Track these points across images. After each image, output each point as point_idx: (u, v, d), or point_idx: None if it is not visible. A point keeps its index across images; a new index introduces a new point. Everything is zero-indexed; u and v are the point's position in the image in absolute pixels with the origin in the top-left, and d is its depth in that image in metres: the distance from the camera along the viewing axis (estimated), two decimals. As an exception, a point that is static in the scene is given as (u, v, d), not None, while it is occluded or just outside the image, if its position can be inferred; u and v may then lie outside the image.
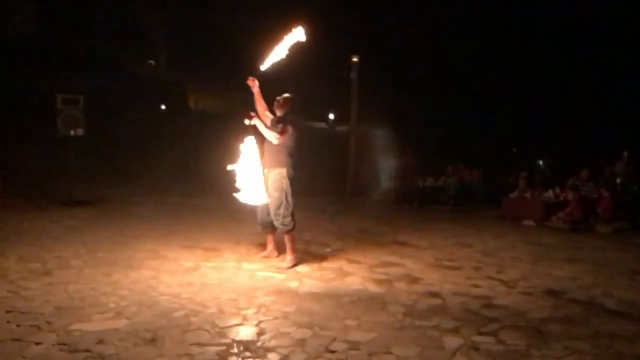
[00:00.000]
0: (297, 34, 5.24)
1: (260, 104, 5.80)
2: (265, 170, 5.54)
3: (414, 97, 21.78)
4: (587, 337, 3.54)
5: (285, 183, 5.46)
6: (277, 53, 5.34)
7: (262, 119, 5.56)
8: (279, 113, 5.64)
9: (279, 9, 20.49)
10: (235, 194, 5.49)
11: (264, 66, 5.41)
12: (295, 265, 5.50)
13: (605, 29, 20.83)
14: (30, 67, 15.74)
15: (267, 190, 5.46)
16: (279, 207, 5.42)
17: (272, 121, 5.66)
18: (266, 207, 5.58)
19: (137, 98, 18.39)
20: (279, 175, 5.45)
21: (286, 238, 5.57)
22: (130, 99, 17.73)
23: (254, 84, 5.68)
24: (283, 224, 5.46)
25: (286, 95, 5.67)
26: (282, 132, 5.45)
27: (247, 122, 5.53)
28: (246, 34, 21.62)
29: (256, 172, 5.50)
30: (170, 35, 25.89)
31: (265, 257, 5.85)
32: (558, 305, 4.29)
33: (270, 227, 5.74)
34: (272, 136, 5.43)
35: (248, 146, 5.54)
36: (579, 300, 4.49)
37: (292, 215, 5.50)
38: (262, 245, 6.25)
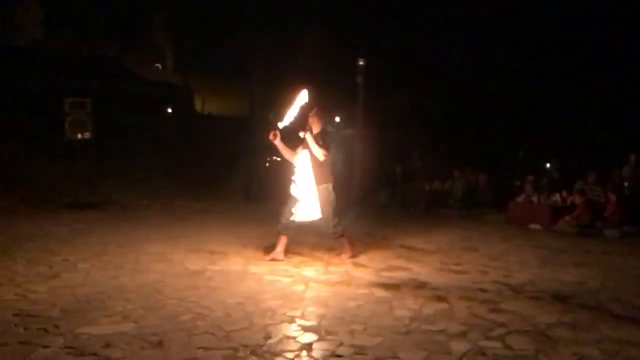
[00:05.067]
0: (303, 96, 5.64)
1: (286, 151, 5.98)
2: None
3: (420, 100, 21.75)
4: (595, 342, 3.52)
5: (332, 196, 5.80)
6: (291, 113, 5.68)
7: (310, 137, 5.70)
8: (315, 128, 5.78)
9: (286, 10, 20.60)
10: (291, 213, 5.79)
11: (282, 124, 5.73)
12: (354, 256, 6.02)
13: (613, 32, 20.75)
14: (38, 71, 15.86)
15: (313, 207, 5.71)
16: (328, 220, 5.77)
17: (314, 137, 5.75)
18: (292, 212, 5.76)
19: (144, 101, 18.49)
20: (326, 190, 5.75)
21: (342, 240, 6.01)
22: (137, 102, 17.83)
23: (275, 138, 5.85)
24: (335, 232, 5.87)
25: (316, 110, 5.84)
26: (325, 148, 5.68)
27: (271, 137, 5.83)
28: (252, 35, 21.71)
29: (308, 187, 5.74)
30: (176, 38, 26.00)
31: (272, 259, 5.86)
32: (566, 310, 4.26)
33: (289, 231, 5.93)
34: (320, 153, 5.66)
35: (301, 160, 5.82)
36: (587, 305, 4.46)
37: (338, 222, 5.89)
38: (270, 249, 6.27)
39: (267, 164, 10.15)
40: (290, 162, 5.98)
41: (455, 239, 7.95)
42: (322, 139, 5.74)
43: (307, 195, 5.73)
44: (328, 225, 5.80)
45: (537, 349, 3.37)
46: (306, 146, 5.76)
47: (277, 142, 5.87)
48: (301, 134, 5.77)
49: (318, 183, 5.73)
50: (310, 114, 5.80)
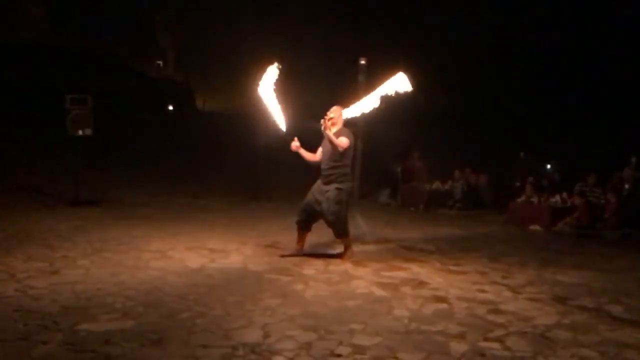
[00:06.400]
0: (400, 83, 5.41)
1: (310, 155, 6.06)
2: (325, 183, 5.83)
3: (421, 99, 21.72)
4: (594, 345, 3.52)
5: (345, 197, 5.81)
6: (372, 100, 5.57)
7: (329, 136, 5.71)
8: (334, 128, 5.79)
9: (288, 9, 20.58)
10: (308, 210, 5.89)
11: (354, 112, 5.73)
12: (352, 255, 5.99)
13: (615, 34, 20.74)
14: (39, 67, 15.85)
15: (327, 203, 5.74)
16: (338, 219, 5.76)
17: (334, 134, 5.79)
18: (312, 210, 5.86)
19: (145, 98, 18.47)
20: (339, 189, 5.75)
21: (343, 241, 6.00)
22: (138, 99, 17.81)
23: (298, 148, 5.96)
24: (340, 233, 5.88)
25: (335, 108, 5.87)
26: (345, 143, 5.71)
27: (294, 146, 5.91)
28: (254, 32, 21.70)
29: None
30: (177, 35, 25.99)
31: (291, 255, 5.98)
32: (565, 312, 4.26)
33: (308, 228, 6.03)
34: (338, 143, 5.66)
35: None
36: (586, 306, 4.46)
37: (347, 222, 5.90)
38: (269, 247, 6.30)
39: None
40: (312, 161, 6.06)
41: (455, 239, 7.96)
42: (344, 135, 5.77)
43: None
44: (336, 224, 5.80)
45: (536, 350, 3.38)
46: (326, 143, 5.80)
47: (300, 150, 5.97)
48: (293, 147, 5.90)
49: (333, 181, 5.77)
50: (332, 109, 5.83)
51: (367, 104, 5.61)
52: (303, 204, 5.95)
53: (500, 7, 22.02)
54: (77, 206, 9.64)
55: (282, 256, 5.98)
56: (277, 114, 5.82)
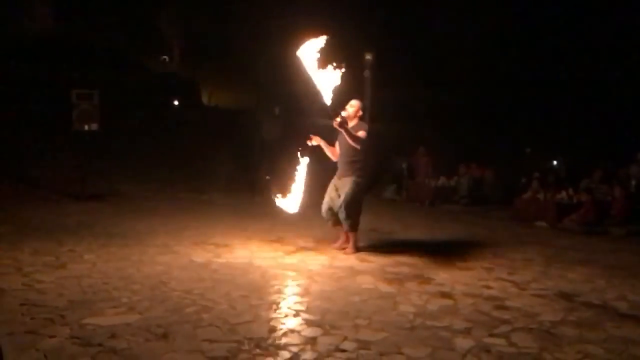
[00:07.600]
0: (312, 47, 5.42)
1: (328, 149, 6.14)
2: (341, 177, 5.98)
3: (426, 95, 21.68)
4: (600, 341, 3.51)
5: (360, 190, 5.91)
6: (319, 78, 5.48)
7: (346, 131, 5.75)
8: (351, 122, 5.90)
9: (293, 4, 20.53)
10: (277, 200, 6.06)
11: (327, 100, 5.60)
12: (357, 250, 6.04)
13: (620, 29, 20.62)
14: (45, 61, 15.88)
15: (343, 195, 5.86)
16: (351, 211, 5.86)
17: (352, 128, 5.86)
18: (329, 205, 5.99)
19: (151, 93, 18.51)
20: (356, 183, 5.88)
21: (350, 235, 6.04)
22: (144, 94, 17.85)
23: (317, 140, 6.02)
24: (350, 225, 5.93)
25: (353, 102, 5.95)
26: (362, 138, 5.79)
27: (309, 143, 5.96)
28: (258, 29, 21.68)
29: (300, 185, 5.95)
30: (183, 30, 25.99)
31: (339, 248, 6.13)
32: (571, 308, 4.25)
33: (337, 221, 6.08)
34: (356, 141, 5.75)
35: (303, 165, 5.96)
36: (592, 303, 4.45)
37: (359, 217, 5.98)
38: (274, 242, 6.32)
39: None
40: (332, 156, 6.13)
41: (461, 235, 7.94)
42: (362, 129, 5.83)
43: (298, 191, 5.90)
44: (349, 216, 5.86)
45: (542, 346, 3.37)
46: (342, 137, 5.86)
47: (321, 143, 6.03)
48: (309, 143, 5.95)
49: (350, 175, 5.89)
50: (351, 103, 5.89)
51: (326, 81, 5.50)
52: (324, 205, 6.06)
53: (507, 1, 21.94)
54: (83, 201, 9.68)
55: (337, 248, 6.12)
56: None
